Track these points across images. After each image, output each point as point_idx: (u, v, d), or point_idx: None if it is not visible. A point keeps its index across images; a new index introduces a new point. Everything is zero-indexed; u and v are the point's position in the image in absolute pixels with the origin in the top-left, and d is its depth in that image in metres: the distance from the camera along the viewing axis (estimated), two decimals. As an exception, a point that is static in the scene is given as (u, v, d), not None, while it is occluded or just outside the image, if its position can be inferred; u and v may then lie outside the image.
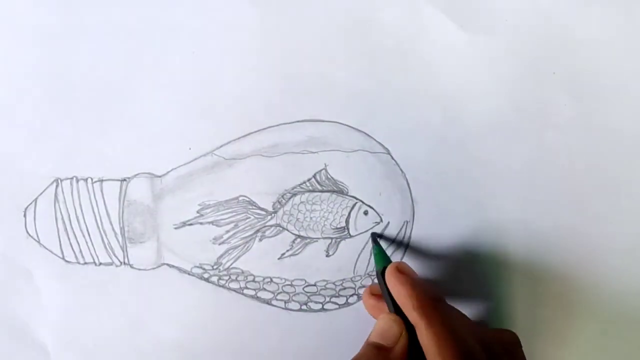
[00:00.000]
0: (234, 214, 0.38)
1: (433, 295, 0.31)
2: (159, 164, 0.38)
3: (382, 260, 0.35)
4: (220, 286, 0.38)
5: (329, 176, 0.37)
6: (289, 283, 0.38)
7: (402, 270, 0.33)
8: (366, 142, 0.38)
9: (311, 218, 0.38)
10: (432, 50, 0.37)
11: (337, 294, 0.38)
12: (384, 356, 0.31)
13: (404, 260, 0.38)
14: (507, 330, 0.35)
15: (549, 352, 0.38)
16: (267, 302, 0.38)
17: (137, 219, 0.38)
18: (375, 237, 0.37)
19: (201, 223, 0.38)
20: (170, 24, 0.38)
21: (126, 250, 0.38)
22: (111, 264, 0.38)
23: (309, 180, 0.37)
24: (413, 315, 0.31)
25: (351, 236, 0.38)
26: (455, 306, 0.34)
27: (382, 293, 0.34)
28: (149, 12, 0.38)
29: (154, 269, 0.38)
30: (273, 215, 0.38)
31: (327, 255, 0.38)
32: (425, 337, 0.30)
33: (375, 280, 0.37)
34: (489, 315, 0.38)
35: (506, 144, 0.38)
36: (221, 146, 0.38)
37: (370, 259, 0.38)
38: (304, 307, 0.38)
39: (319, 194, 0.38)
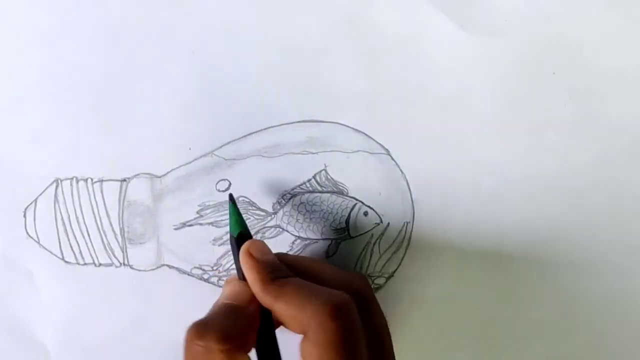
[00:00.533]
0: (234, 214, 0.38)
1: (280, 275, 0.31)
2: (159, 164, 0.38)
3: (238, 226, 0.34)
4: (220, 287, 0.38)
5: (328, 177, 0.37)
6: (289, 283, 0.38)
7: (252, 253, 0.32)
8: (366, 142, 0.38)
9: (311, 219, 0.38)
10: (432, 50, 0.37)
11: (337, 295, 0.38)
12: (238, 314, 0.30)
13: (404, 260, 0.38)
14: (355, 273, 0.35)
15: (549, 352, 0.38)
16: (267, 302, 0.38)
17: (137, 219, 0.38)
18: (233, 197, 0.35)
19: (201, 224, 0.38)
20: (170, 24, 0.38)
21: (126, 251, 0.38)
22: (111, 264, 0.38)
23: (308, 181, 0.37)
24: (262, 299, 0.30)
25: (351, 237, 0.38)
26: (454, 306, 0.34)
27: (234, 260, 0.33)
28: (149, 12, 0.38)
29: (153, 269, 0.38)
30: (273, 216, 0.38)
31: (327, 256, 0.38)
32: (279, 312, 0.30)
33: None
34: (488, 314, 0.38)
35: (506, 144, 0.38)
36: (221, 146, 0.38)
37: (370, 260, 0.38)
38: (303, 307, 0.38)
39: (319, 194, 0.38)
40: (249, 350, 0.29)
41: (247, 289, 0.31)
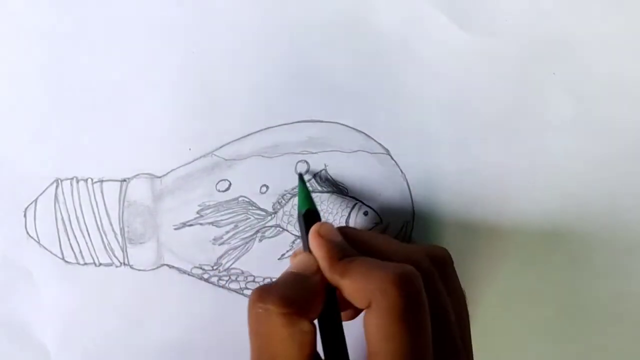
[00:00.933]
0: (234, 214, 0.38)
1: (347, 254, 0.31)
2: (159, 164, 0.38)
3: (306, 203, 0.34)
4: (220, 287, 0.38)
5: (329, 177, 0.37)
6: (289, 283, 0.38)
7: (321, 233, 0.32)
8: (366, 142, 0.37)
9: (311, 219, 0.38)
10: (432, 51, 0.37)
11: (337, 295, 0.38)
12: (302, 282, 0.30)
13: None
14: (437, 247, 0.34)
15: (549, 352, 0.38)
16: (267, 302, 0.38)
17: (137, 219, 0.38)
18: (302, 176, 0.36)
19: (201, 224, 0.38)
20: (171, 24, 0.38)
21: (126, 251, 0.38)
22: (111, 264, 0.38)
23: (308, 180, 0.37)
24: (330, 277, 0.30)
25: (351, 237, 0.38)
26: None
27: (300, 234, 0.34)
28: (148, 12, 0.38)
29: (153, 269, 0.38)
30: (273, 215, 0.38)
31: (327, 256, 0.38)
32: (345, 288, 0.30)
33: None
34: (488, 314, 0.38)
35: (506, 144, 0.38)
36: (221, 147, 0.38)
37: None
38: (303, 307, 0.38)
39: (319, 194, 0.38)
40: (312, 319, 0.29)
41: (313, 260, 0.31)
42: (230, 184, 0.38)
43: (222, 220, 0.38)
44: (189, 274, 0.38)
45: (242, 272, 0.38)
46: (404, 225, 0.38)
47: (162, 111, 0.38)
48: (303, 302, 0.29)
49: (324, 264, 0.31)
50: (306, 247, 0.33)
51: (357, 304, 0.29)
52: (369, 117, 0.38)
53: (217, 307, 0.38)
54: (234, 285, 0.38)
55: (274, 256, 0.38)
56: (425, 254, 0.33)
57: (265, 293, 0.29)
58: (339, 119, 0.38)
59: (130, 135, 0.38)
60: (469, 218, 0.38)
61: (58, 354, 0.38)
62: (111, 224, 0.38)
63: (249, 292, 0.38)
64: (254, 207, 0.38)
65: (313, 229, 0.32)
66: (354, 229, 0.36)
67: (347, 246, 0.32)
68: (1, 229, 0.38)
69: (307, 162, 0.37)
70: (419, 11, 0.37)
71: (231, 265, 0.38)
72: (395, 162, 0.38)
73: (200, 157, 0.38)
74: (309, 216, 0.33)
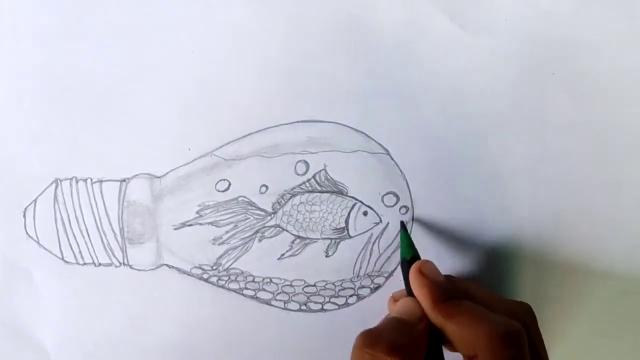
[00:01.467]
0: (234, 214, 0.38)
1: (452, 296, 0.31)
2: (159, 164, 0.38)
3: (408, 250, 0.35)
4: (219, 287, 0.38)
5: (328, 177, 0.37)
6: (289, 283, 0.38)
7: (424, 272, 0.32)
8: (366, 142, 0.38)
9: (310, 219, 0.38)
10: (432, 51, 0.37)
11: (336, 295, 0.38)
12: (408, 329, 0.31)
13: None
14: (522, 303, 0.34)
15: (549, 351, 0.38)
16: (267, 302, 0.38)
17: (137, 219, 0.38)
18: (404, 225, 0.36)
19: (201, 224, 0.38)
20: (170, 24, 0.38)
21: (125, 251, 0.38)
22: (110, 264, 0.38)
23: (308, 181, 0.37)
24: (433, 316, 0.31)
25: (350, 237, 0.38)
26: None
27: (403, 281, 0.34)
28: (149, 12, 0.38)
29: (153, 269, 0.38)
30: (272, 215, 0.38)
31: (326, 256, 0.38)
32: (450, 331, 0.30)
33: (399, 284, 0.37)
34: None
35: (506, 144, 0.38)
36: (221, 147, 0.38)
37: (369, 259, 0.38)
38: (303, 307, 0.38)
39: (319, 194, 0.38)
40: None
41: (418, 306, 0.32)
42: (229, 184, 0.38)
43: (221, 220, 0.38)
44: (188, 274, 0.38)
45: (242, 272, 0.38)
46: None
47: (162, 111, 0.38)
48: (410, 350, 0.29)
49: (427, 304, 0.31)
50: (409, 292, 0.33)
51: (461, 350, 0.30)
52: (369, 117, 0.38)
53: (216, 307, 0.38)
54: (233, 285, 0.38)
55: (274, 256, 0.38)
56: (525, 310, 0.33)
57: (373, 339, 0.29)
58: (339, 119, 0.38)
59: (130, 135, 0.38)
60: (468, 217, 0.38)
61: (58, 354, 0.38)
62: (110, 224, 0.38)
63: (248, 292, 0.38)
64: (253, 207, 0.38)
65: (414, 267, 0.32)
66: (451, 276, 0.36)
67: (451, 287, 0.32)
68: (1, 229, 0.38)
69: (306, 162, 0.38)
70: (419, 11, 0.37)
71: (231, 265, 0.38)
72: (395, 162, 0.38)
73: (200, 157, 0.38)
74: (413, 263, 0.33)
